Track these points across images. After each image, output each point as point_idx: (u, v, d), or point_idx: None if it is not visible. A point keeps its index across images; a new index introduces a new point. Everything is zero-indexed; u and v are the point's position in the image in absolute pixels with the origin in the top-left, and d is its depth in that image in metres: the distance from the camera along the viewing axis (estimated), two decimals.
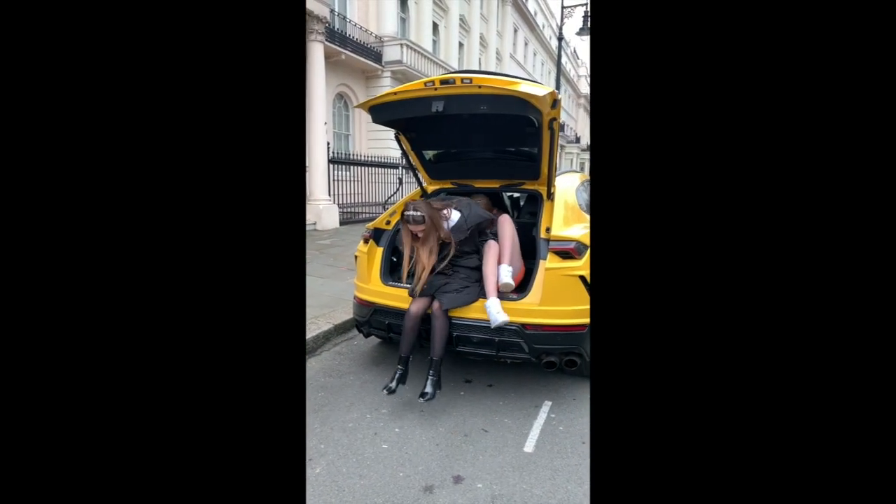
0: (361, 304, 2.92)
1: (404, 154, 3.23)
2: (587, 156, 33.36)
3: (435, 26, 17.12)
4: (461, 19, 18.46)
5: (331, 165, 9.07)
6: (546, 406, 2.64)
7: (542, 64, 30.73)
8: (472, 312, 2.54)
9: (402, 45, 13.47)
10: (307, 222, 8.67)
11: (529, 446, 2.26)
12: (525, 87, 2.25)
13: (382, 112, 2.62)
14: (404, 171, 9.56)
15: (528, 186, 3.15)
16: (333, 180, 9.47)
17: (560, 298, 2.46)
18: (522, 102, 2.28)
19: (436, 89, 2.39)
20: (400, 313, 2.73)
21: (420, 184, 3.41)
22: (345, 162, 9.65)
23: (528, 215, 3.06)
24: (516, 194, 3.80)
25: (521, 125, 2.68)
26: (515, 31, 25.33)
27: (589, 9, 12.43)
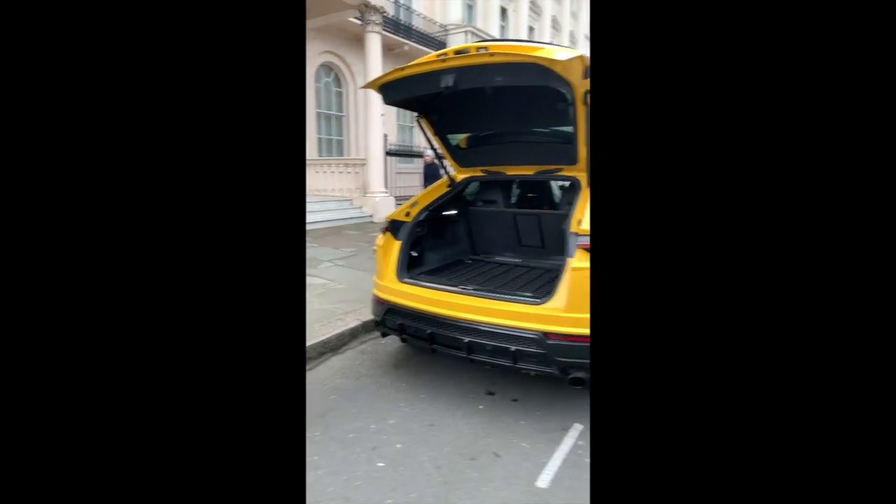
0: (377, 302, 2.72)
1: (429, 140, 2.96)
2: None
3: (503, 11, 16.54)
4: (531, 2, 17.66)
5: (388, 157, 9.04)
6: (575, 430, 2.26)
7: None
8: (486, 316, 2.22)
9: (466, 32, 13.14)
10: (364, 215, 8.75)
11: (544, 480, 1.91)
12: (544, 53, 1.87)
13: (393, 91, 2.37)
14: None
15: (567, 172, 2.73)
16: (395, 173, 9.46)
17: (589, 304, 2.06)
18: (543, 70, 1.91)
19: (445, 61, 2.09)
20: (413, 314, 2.48)
21: (447, 172, 3.12)
22: (403, 154, 9.60)
23: (568, 205, 2.66)
24: (560, 182, 3.37)
25: (553, 101, 2.29)
26: None
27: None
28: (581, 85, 2.03)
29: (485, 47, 2.03)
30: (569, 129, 2.47)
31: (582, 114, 2.20)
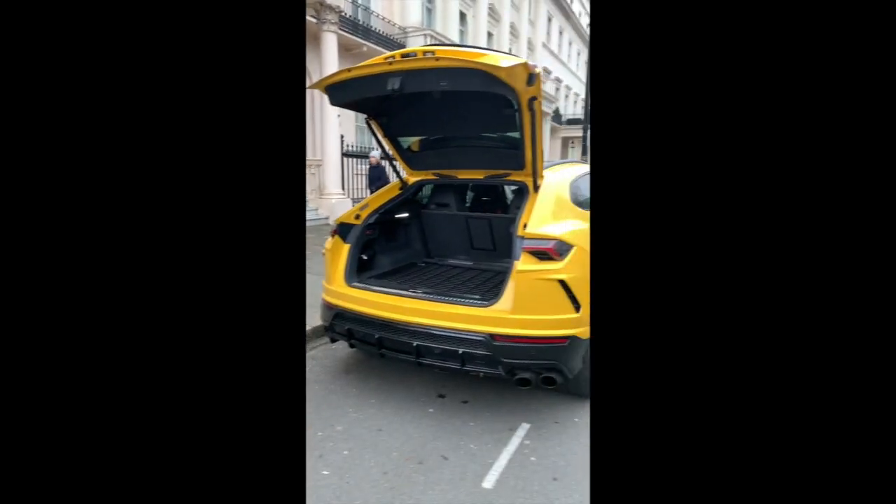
0: (325, 307, 2.67)
1: (379, 143, 2.93)
2: None
3: (462, 16, 16.68)
4: (490, 8, 17.91)
5: (345, 159, 8.91)
6: (522, 430, 2.30)
7: (579, 54, 29.63)
8: (434, 319, 2.23)
9: (425, 35, 13.16)
10: (320, 217, 8.57)
11: (490, 481, 1.93)
12: (488, 59, 1.90)
13: (340, 93, 2.34)
14: None
15: (516, 177, 2.79)
16: (353, 174, 9.32)
17: (534, 306, 2.11)
18: (487, 77, 1.94)
19: (391, 64, 2.08)
20: (361, 319, 2.45)
21: (399, 175, 3.11)
22: (359, 155, 9.48)
23: (517, 210, 2.71)
24: (513, 186, 3.43)
25: (499, 106, 2.33)
26: (549, 19, 24.46)
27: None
28: (526, 91, 2.07)
29: (432, 51, 2.04)
30: (516, 134, 2.52)
31: (527, 120, 2.24)
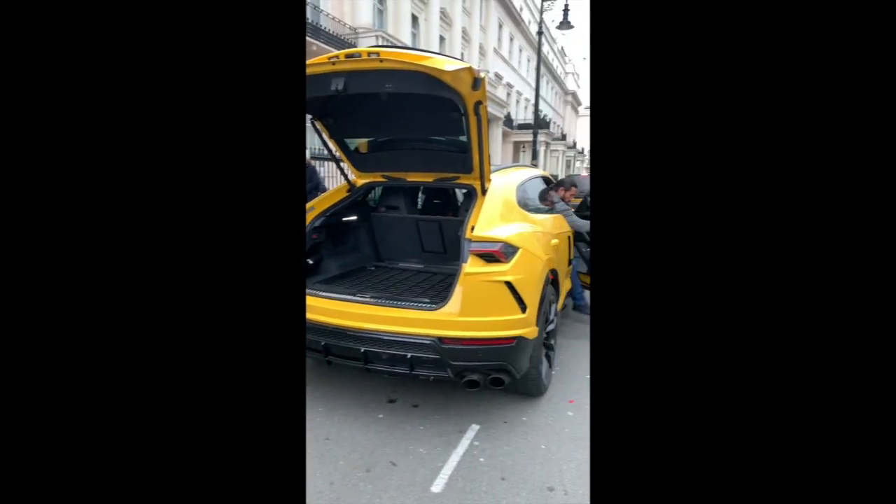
0: None
1: (325, 143, 2.86)
2: (573, 153, 33.12)
3: (415, 19, 16.69)
4: (442, 12, 18.03)
5: None
6: (472, 431, 2.31)
7: (529, 60, 30.38)
8: (382, 324, 2.20)
9: (377, 36, 13.04)
10: None
11: (439, 485, 1.92)
12: (433, 62, 1.90)
13: None
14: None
15: (464, 181, 2.80)
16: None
17: (482, 308, 2.13)
18: (431, 80, 1.94)
19: (334, 64, 2.04)
20: (307, 326, 2.37)
21: (346, 177, 3.05)
22: (313, 157, 9.25)
23: (465, 212, 2.73)
24: (463, 189, 3.46)
25: (446, 110, 2.33)
26: (500, 26, 24.96)
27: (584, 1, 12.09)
28: (471, 95, 2.09)
29: (376, 52, 2.01)
30: (463, 138, 2.54)
31: (474, 124, 2.26)
